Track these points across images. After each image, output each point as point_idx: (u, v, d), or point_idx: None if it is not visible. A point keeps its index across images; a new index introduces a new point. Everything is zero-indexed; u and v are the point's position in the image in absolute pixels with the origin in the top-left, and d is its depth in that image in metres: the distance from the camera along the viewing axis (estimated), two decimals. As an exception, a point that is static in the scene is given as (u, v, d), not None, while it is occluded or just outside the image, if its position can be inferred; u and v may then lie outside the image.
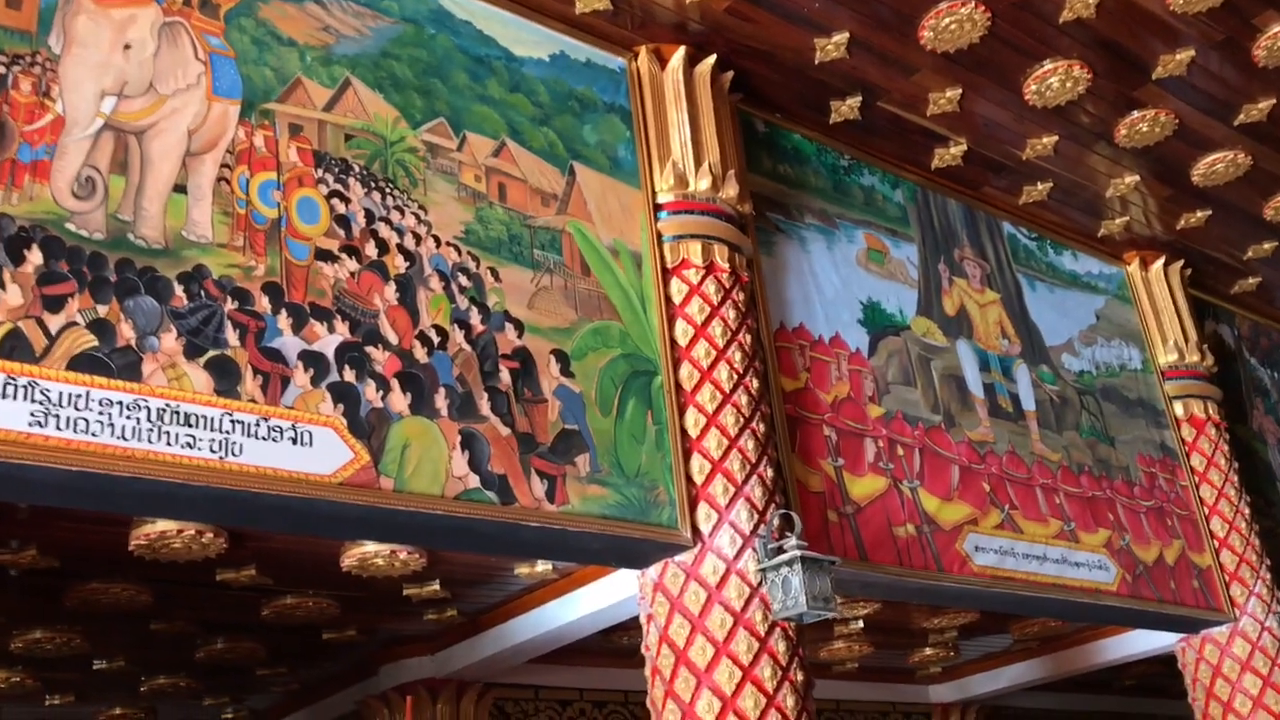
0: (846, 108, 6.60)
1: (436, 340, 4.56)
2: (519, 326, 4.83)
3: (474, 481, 4.38)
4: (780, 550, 4.86)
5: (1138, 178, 7.54)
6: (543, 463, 4.63)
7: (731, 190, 5.66)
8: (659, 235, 5.52)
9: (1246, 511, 7.76)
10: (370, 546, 5.15)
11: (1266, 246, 8.58)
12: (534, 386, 4.76)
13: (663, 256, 5.48)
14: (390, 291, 4.53)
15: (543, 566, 5.62)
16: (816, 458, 5.66)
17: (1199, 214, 8.06)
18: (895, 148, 7.02)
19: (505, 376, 4.68)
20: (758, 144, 6.40)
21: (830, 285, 6.31)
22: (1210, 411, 8.05)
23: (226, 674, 6.88)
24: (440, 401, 4.43)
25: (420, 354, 4.48)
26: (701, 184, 5.60)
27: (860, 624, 7.36)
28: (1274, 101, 6.90)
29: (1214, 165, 7.47)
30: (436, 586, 5.79)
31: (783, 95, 6.46)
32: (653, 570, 5.06)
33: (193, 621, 5.95)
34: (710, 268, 5.49)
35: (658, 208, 5.59)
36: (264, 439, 3.93)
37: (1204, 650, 7.42)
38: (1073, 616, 7.10)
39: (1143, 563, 7.01)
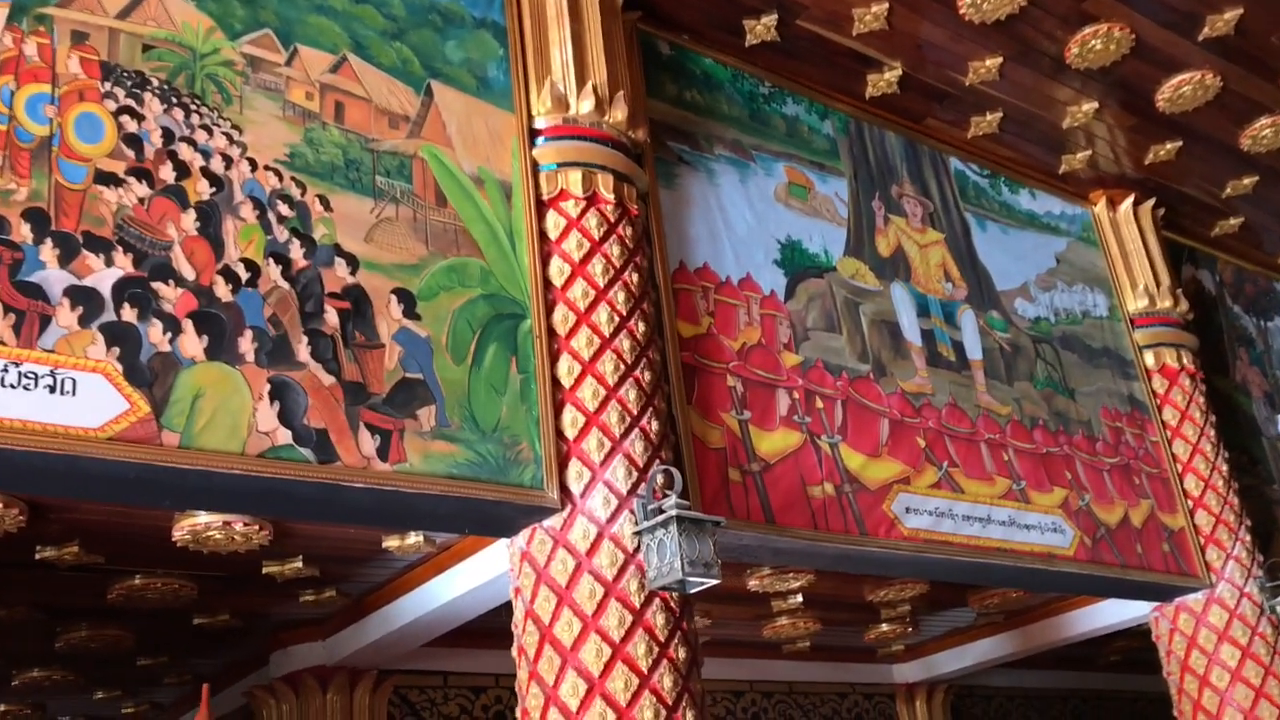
0: (762, 27, 5.96)
1: (245, 276, 3.96)
2: (352, 262, 4.23)
3: (284, 437, 3.79)
4: (660, 511, 4.26)
5: (1096, 104, 6.88)
6: (375, 415, 4.03)
7: (620, 114, 5.03)
8: (534, 164, 4.91)
9: (1224, 468, 7.11)
10: (203, 517, 4.57)
11: (1246, 181, 7.89)
12: (368, 330, 4.16)
13: (538, 187, 4.87)
14: (189, 220, 3.93)
15: (414, 538, 5.02)
16: (718, 410, 5.05)
17: (1169, 146, 7.39)
18: (823, 74, 6.38)
19: (332, 318, 4.08)
20: (661, 68, 5.77)
21: (742, 222, 5.68)
22: (1185, 361, 7.39)
23: (104, 665, 6.32)
24: (245, 345, 3.84)
25: (223, 291, 3.89)
26: (584, 106, 4.98)
27: (799, 598, 6.74)
28: (1240, 10, 6.22)
29: (1180, 88, 6.80)
30: (299, 564, 5.20)
31: (688, 14, 5.83)
32: (521, 538, 4.47)
33: (34, 607, 5.38)
34: (593, 199, 4.88)
35: (534, 133, 4.97)
36: (12, 387, 3.35)
37: (1178, 620, 6.79)
38: (1023, 584, 6.47)
39: (1105, 525, 6.37)
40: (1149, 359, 7.36)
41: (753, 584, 6.40)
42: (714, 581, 4.24)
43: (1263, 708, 6.44)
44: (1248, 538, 6.94)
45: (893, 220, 6.42)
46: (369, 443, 3.97)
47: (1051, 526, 6.07)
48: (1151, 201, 7.81)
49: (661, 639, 4.23)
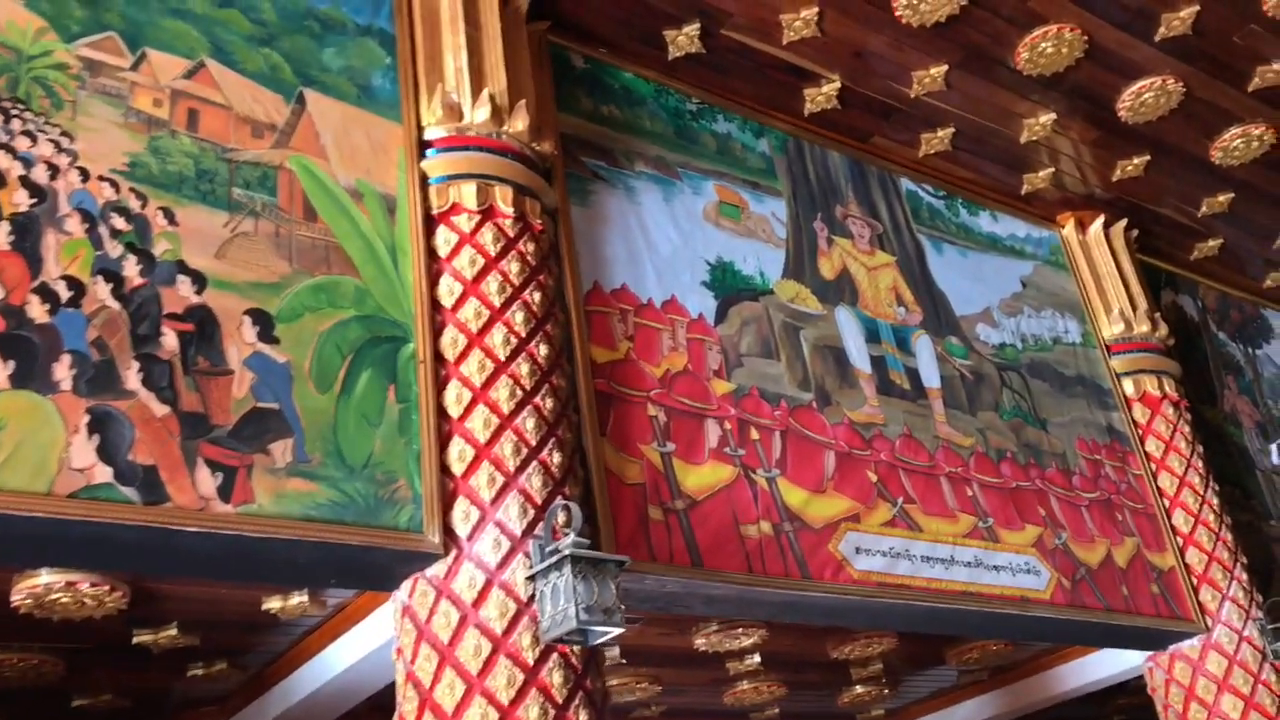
0: (684, 38, 5.57)
1: (66, 295, 3.48)
2: (199, 280, 3.75)
3: (103, 475, 3.28)
4: (556, 552, 3.72)
5: (1054, 115, 6.46)
6: (217, 450, 3.52)
7: (520, 124, 4.60)
8: (423, 176, 4.45)
9: (1214, 501, 6.55)
10: (43, 577, 4.04)
11: (1221, 199, 7.45)
12: (214, 354, 3.67)
13: (427, 201, 4.41)
14: (1, 234, 3.46)
15: (298, 598, 4.48)
16: (636, 442, 4.53)
17: (1136, 160, 6.96)
18: (756, 90, 5.97)
19: (171, 341, 3.59)
20: (574, 81, 5.36)
21: (667, 242, 5.22)
22: (1167, 388, 6.87)
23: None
24: (61, 372, 3.34)
25: (37, 312, 3.40)
26: (478, 115, 4.55)
27: (756, 658, 6.14)
28: (1197, 8, 5.82)
29: (1141, 95, 6.38)
30: (174, 632, 4.65)
31: (602, 25, 5.44)
32: (403, 591, 3.92)
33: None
34: (489, 213, 4.42)
35: (425, 145, 4.53)
36: None
37: (1173, 669, 6.17)
38: (994, 632, 5.89)
39: (1085, 565, 5.80)
40: (1128, 387, 6.85)
41: (700, 643, 5.82)
42: (617, 631, 3.69)
43: (1271, 764, 5.81)
44: (1244, 576, 6.35)
45: (837, 242, 5.96)
46: (208, 481, 3.45)
47: (1024, 567, 5.50)
48: (1123, 222, 7.36)
49: (559, 700, 3.66)
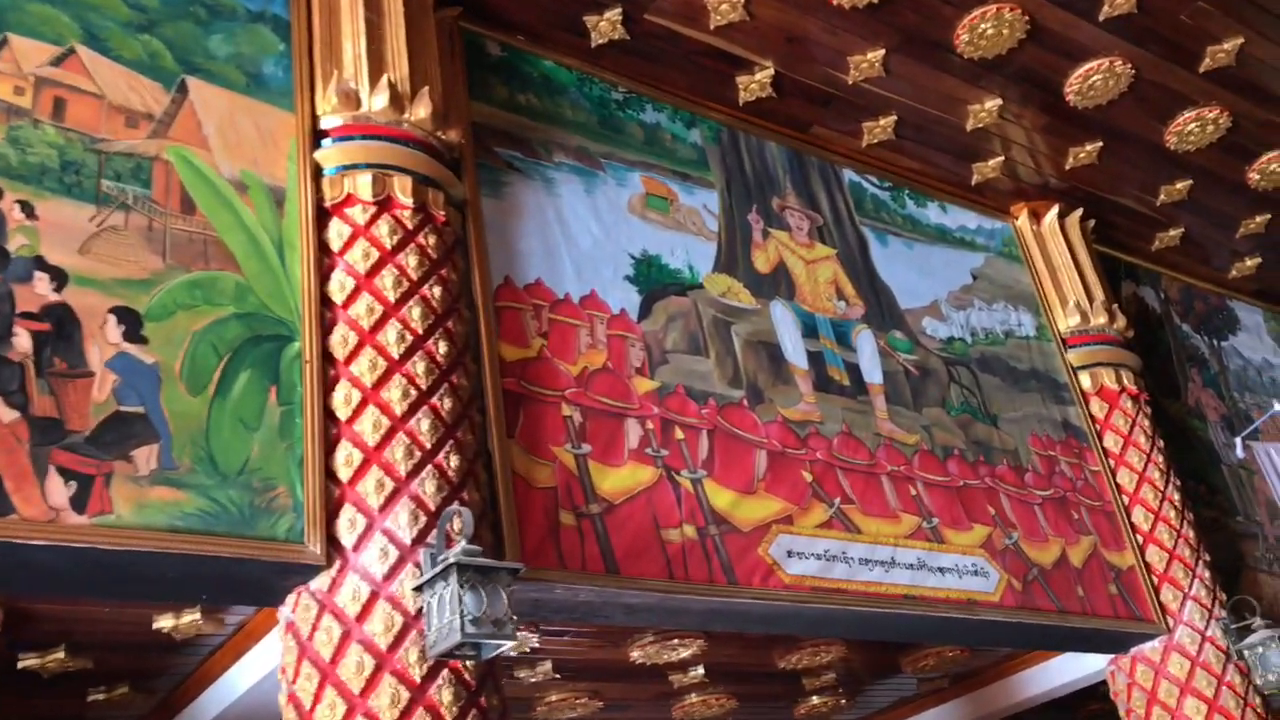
0: (606, 24, 5.35)
1: (-98, 293, 3.23)
2: (59, 276, 3.51)
3: (-63, 485, 3.03)
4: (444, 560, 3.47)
5: (999, 100, 6.25)
6: (72, 457, 3.28)
7: (423, 111, 4.36)
8: (316, 167, 4.22)
9: (1176, 497, 6.31)
10: (-97, 599, 3.79)
11: (1179, 186, 7.24)
12: (73, 355, 3.42)
13: (319, 193, 4.18)
14: None
15: (190, 615, 4.22)
16: (548, 444, 4.29)
17: (1089, 147, 6.75)
18: (687, 79, 5.75)
19: (23, 342, 3.35)
20: (489, 70, 5.13)
21: (587, 235, 4.99)
22: (1125, 381, 6.64)
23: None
24: (-105, 375, 3.10)
25: None
26: (377, 102, 4.31)
27: (700, 670, 5.88)
28: (1142, -19, 5.62)
29: (1089, 78, 6.17)
30: (62, 655, 4.38)
31: (519, 11, 5.23)
32: (287, 605, 3.67)
33: None
34: (386, 204, 4.19)
35: (320, 134, 4.29)
36: None
37: (1135, 672, 5.94)
38: (939, 637, 5.63)
39: (1037, 565, 5.56)
40: (1085, 381, 6.62)
41: (636, 655, 5.56)
42: (509, 643, 3.45)
43: (1237, 770, 5.57)
44: (1207, 574, 6.12)
45: (773, 235, 5.73)
46: (60, 491, 3.20)
47: (971, 569, 5.26)
48: (1079, 212, 7.14)
49: (449, 718, 3.41)
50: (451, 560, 3.38)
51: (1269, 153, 7.03)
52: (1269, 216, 7.67)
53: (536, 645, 5.22)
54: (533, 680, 5.60)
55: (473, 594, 3.39)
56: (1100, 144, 6.71)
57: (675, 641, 5.44)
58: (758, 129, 6.04)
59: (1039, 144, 6.70)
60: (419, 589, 3.50)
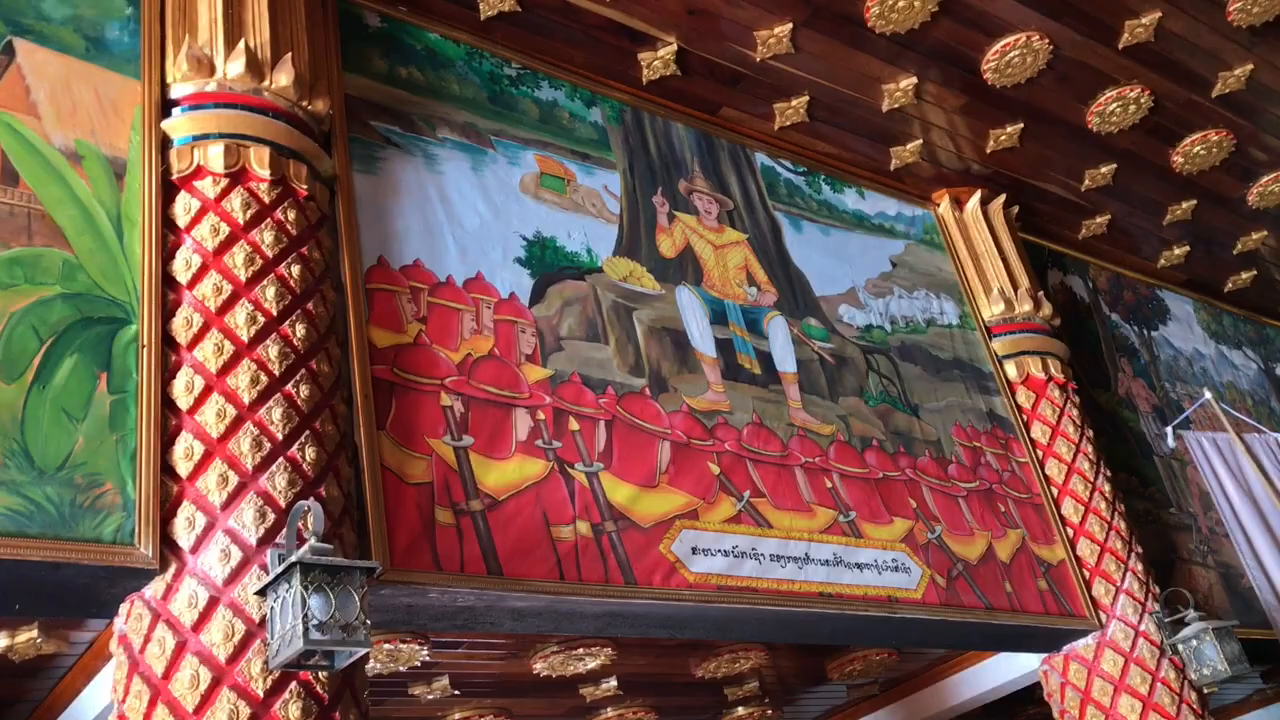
0: (494, -7, 5.03)
1: None
2: None
3: None
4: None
5: (914, 79, 6.01)
6: None
7: (285, 79, 4.02)
8: (165, 138, 3.85)
9: (1106, 489, 6.08)
10: None
11: (1104, 170, 7.05)
12: None
13: (166, 164, 3.81)
14: None
15: (27, 633, 3.83)
16: (424, 435, 3.94)
17: (1009, 129, 6.53)
18: (586, 56, 5.45)
19: None
20: (366, 41, 4.80)
21: (473, 215, 4.65)
22: (1052, 370, 6.41)
23: None
24: None
25: None
26: (232, 69, 3.96)
27: (613, 682, 5.54)
28: (1056, -51, 5.42)
29: (1007, 55, 5.96)
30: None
31: (400, -22, 4.88)
32: (121, 616, 3.29)
33: None
34: (240, 177, 3.83)
35: (170, 104, 3.93)
36: None
37: (1068, 671, 5.68)
38: (857, 637, 5.33)
39: (962, 560, 5.28)
40: (1010, 370, 6.38)
41: (539, 667, 5.21)
42: (362, 650, 3.09)
43: (1174, 770, 5.32)
44: (1139, 566, 5.88)
45: (680, 218, 5.43)
46: None
47: (892, 564, 4.97)
48: (1002, 198, 6.92)
49: (297, 738, 3.04)
50: (294, 560, 3.02)
51: (1192, 135, 6.86)
52: (1195, 202, 7.52)
53: (427, 659, 4.85)
54: (430, 697, 5.22)
55: (319, 597, 3.03)
56: (1021, 125, 6.50)
57: (580, 651, 5.10)
58: (664, 109, 5.76)
59: (958, 126, 6.47)
60: (262, 593, 3.13)
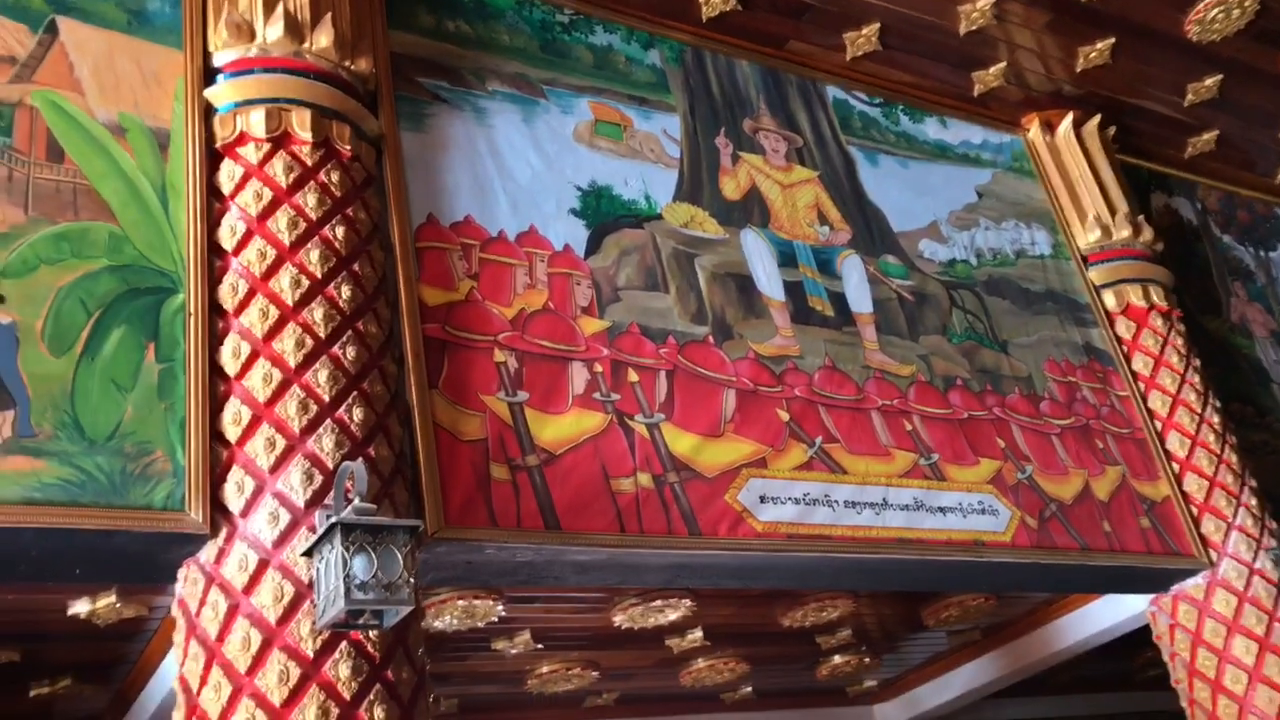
0: (542, -61, 4.91)
1: None
2: (-101, 234, 3.20)
3: None
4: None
5: (992, -2, 5.69)
6: (-91, 428, 2.96)
7: (325, 39, 4.00)
8: (208, 107, 3.87)
9: (1215, 420, 5.73)
10: None
11: (1208, 83, 6.59)
12: (-86, 318, 3.11)
13: (210, 133, 3.83)
14: None
15: (107, 598, 3.93)
16: (478, 392, 3.91)
17: (1099, 45, 6.15)
18: (641, -3, 5.29)
19: None
20: (411, -2, 4.73)
21: (525, 167, 4.58)
22: (1155, 298, 6.06)
23: None
24: None
25: None
26: (271, 32, 3.95)
27: (698, 633, 5.48)
28: None
29: (1091, -36, 5.59)
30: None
31: (443, -70, 4.80)
32: (180, 580, 3.35)
33: None
34: (282, 141, 3.83)
35: (213, 72, 3.95)
36: None
37: (1177, 613, 5.39)
38: (941, 583, 5.16)
39: (1056, 500, 5.05)
40: (1109, 300, 6.05)
41: (619, 619, 5.18)
42: (406, 608, 3.07)
43: (1293, 714, 5.02)
44: (1254, 501, 5.54)
45: (745, 159, 5.27)
46: (-106, 466, 2.90)
47: (978, 507, 4.78)
48: (1096, 119, 6.53)
49: (346, 697, 3.06)
50: (334, 520, 3.01)
51: (1305, 36, 6.36)
52: (1314, 109, 6.99)
53: (504, 614, 4.86)
54: (514, 652, 5.24)
55: (362, 557, 3.02)
56: (1112, 40, 6.11)
57: (659, 603, 5.05)
58: (727, 47, 5.58)
59: (1044, 45, 6.12)
60: (309, 554, 3.14)
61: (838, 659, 6.45)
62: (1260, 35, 6.27)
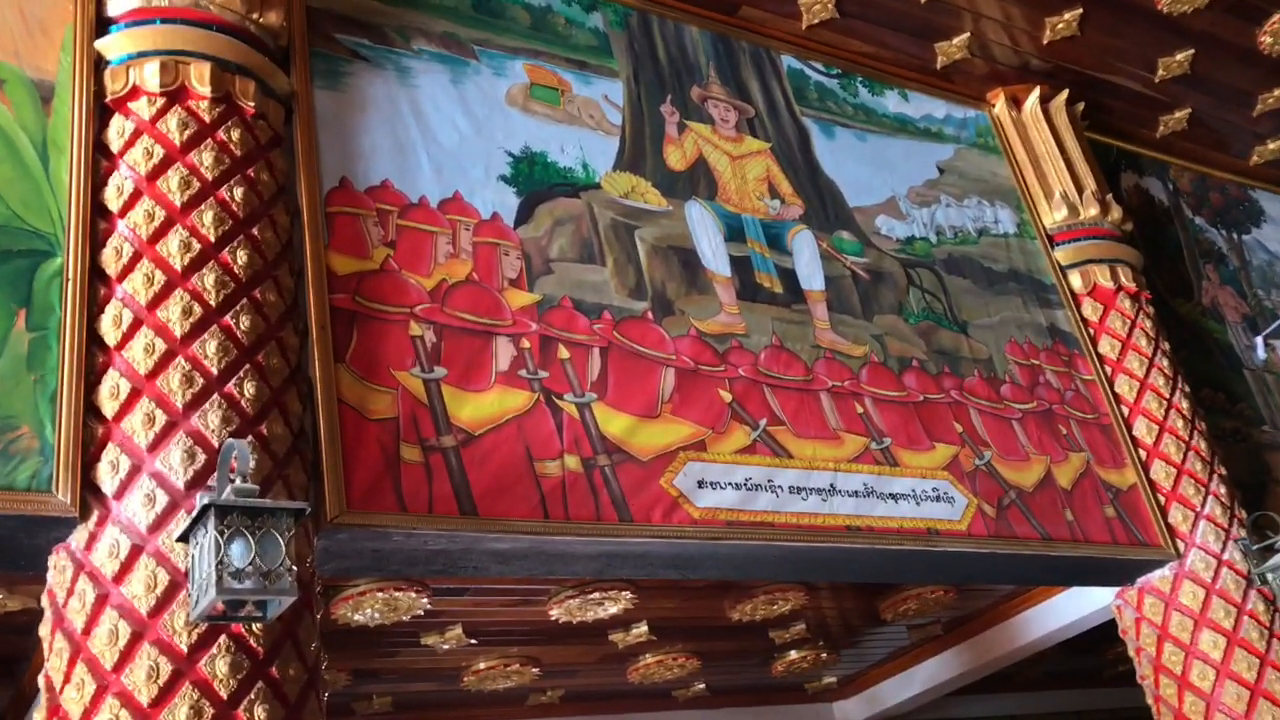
0: (474, -108, 4.63)
1: None
2: None
3: None
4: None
5: (953, -37, 5.44)
6: None
7: (227, -12, 3.70)
8: (99, 59, 3.58)
9: (1184, 406, 5.50)
10: None
11: (1180, 57, 6.36)
12: None
13: (100, 86, 3.54)
14: None
15: (-12, 590, 3.65)
16: (389, 368, 3.63)
17: (1067, 16, 5.92)
18: (583, -44, 5.02)
19: None
20: (334, -50, 4.44)
21: (451, 131, 4.30)
22: (1123, 278, 5.83)
23: None
24: None
25: None
26: (167, -19, 3.65)
27: (643, 628, 5.21)
28: None
29: (1056, -71, 5.34)
30: None
31: (367, -120, 4.51)
32: (50, 570, 3.06)
33: None
34: (177, 95, 3.55)
35: (106, 22, 3.65)
36: None
37: (1143, 606, 5.17)
38: (894, 573, 4.90)
39: (1015, 488, 4.81)
40: (1075, 281, 5.82)
41: (555, 613, 4.92)
42: (288, 599, 2.79)
43: (1262, 710, 4.79)
44: (1222, 490, 5.31)
45: (692, 128, 5.00)
46: None
47: (932, 494, 4.52)
48: (1064, 95, 6.29)
49: (223, 696, 2.79)
50: (207, 502, 2.73)
51: (1280, 10, 6.14)
52: (1289, 88, 6.78)
53: (430, 607, 4.58)
54: (446, 647, 4.96)
55: (240, 542, 2.74)
56: (1080, 11, 5.88)
57: (596, 595, 4.79)
58: (675, 12, 5.31)
59: (1010, 15, 5.88)
60: (184, 539, 2.86)
61: (793, 654, 6.19)
62: (1232, 8, 6.07)
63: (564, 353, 4.00)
